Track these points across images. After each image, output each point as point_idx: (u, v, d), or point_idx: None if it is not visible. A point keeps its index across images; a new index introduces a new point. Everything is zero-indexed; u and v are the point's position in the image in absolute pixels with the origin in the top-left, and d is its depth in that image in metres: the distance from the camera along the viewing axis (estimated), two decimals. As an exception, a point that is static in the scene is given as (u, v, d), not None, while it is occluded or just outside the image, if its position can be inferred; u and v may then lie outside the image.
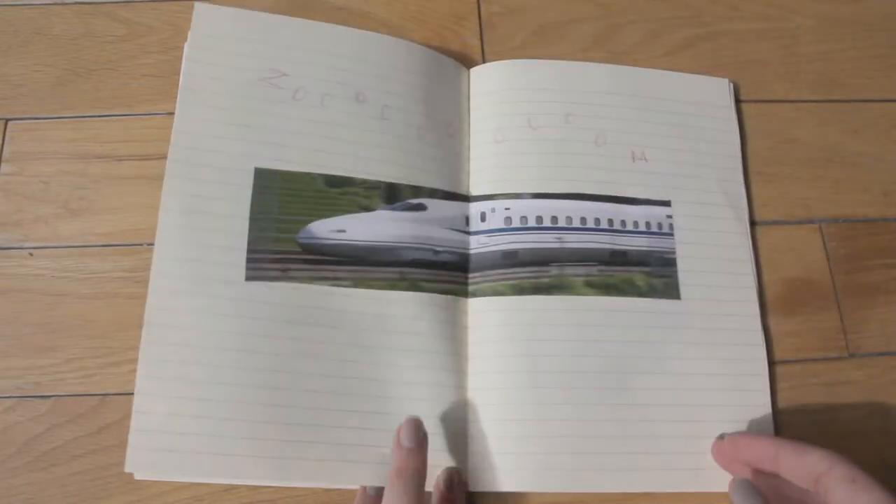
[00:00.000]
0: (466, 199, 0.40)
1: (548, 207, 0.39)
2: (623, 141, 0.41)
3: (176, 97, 0.39)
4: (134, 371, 0.36)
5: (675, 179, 0.41)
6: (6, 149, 0.40)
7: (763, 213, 0.41)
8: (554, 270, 0.38)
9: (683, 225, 0.40)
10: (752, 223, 0.41)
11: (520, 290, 0.38)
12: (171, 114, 0.38)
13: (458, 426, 0.36)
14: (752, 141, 0.42)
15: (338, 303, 0.36)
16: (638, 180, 0.41)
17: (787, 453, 0.31)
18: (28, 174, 0.40)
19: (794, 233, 0.40)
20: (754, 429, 0.37)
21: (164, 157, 0.38)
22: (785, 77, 0.44)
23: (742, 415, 0.37)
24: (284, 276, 0.36)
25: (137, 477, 0.33)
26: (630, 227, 0.40)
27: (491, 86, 0.41)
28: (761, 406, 0.37)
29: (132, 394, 0.36)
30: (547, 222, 0.39)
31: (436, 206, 0.39)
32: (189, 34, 0.39)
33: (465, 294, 0.38)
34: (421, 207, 0.38)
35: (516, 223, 0.39)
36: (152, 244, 0.38)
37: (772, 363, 0.38)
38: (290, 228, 0.36)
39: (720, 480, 0.35)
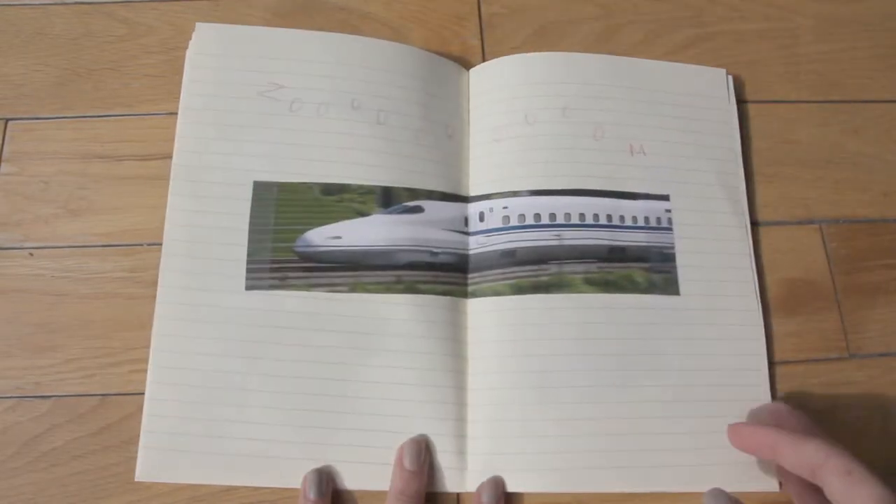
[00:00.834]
0: (465, 199, 0.40)
1: (546, 204, 0.39)
2: (621, 134, 0.41)
3: (177, 97, 0.39)
4: (134, 371, 0.36)
5: (673, 173, 0.40)
6: (6, 149, 0.40)
7: (764, 213, 0.41)
8: (553, 268, 0.38)
9: (682, 219, 0.40)
10: (754, 223, 0.41)
11: (519, 290, 0.37)
12: (172, 114, 0.39)
13: (459, 427, 0.36)
14: (753, 141, 0.42)
15: (335, 308, 0.36)
16: (637, 174, 0.40)
17: (785, 444, 0.31)
18: (28, 174, 0.40)
19: (795, 233, 0.40)
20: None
21: (164, 157, 0.38)
22: (785, 77, 0.44)
23: (743, 411, 0.37)
24: (283, 284, 0.36)
25: (144, 480, 0.34)
26: (629, 222, 0.39)
27: (489, 84, 0.41)
28: (761, 402, 0.37)
29: (132, 394, 0.36)
30: (545, 220, 0.39)
31: (433, 208, 0.39)
32: (188, 53, 0.39)
33: (465, 295, 0.38)
34: (418, 210, 0.38)
35: (514, 222, 0.39)
36: (152, 244, 0.38)
37: (772, 363, 0.38)
38: (288, 238, 0.37)
39: (722, 478, 0.35)
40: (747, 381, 0.37)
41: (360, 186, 0.38)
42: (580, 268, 0.38)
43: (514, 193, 0.39)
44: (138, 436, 0.34)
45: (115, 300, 0.38)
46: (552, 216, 0.39)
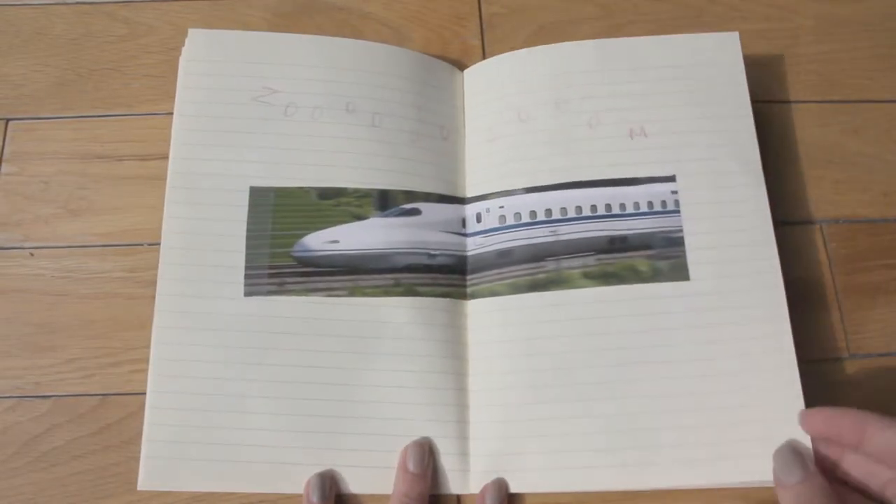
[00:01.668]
0: (462, 201, 0.40)
1: (540, 201, 0.38)
2: (619, 119, 0.39)
3: (176, 97, 0.39)
4: (134, 371, 0.36)
5: (679, 152, 0.38)
6: (6, 149, 0.40)
7: (763, 213, 0.41)
8: (550, 265, 0.37)
9: (691, 199, 0.38)
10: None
11: (516, 289, 0.37)
12: (172, 114, 0.39)
13: (461, 429, 0.36)
14: (753, 141, 0.42)
15: (334, 312, 0.36)
16: (638, 158, 0.39)
17: (876, 426, 0.29)
18: (28, 174, 0.40)
19: (795, 233, 0.40)
20: (781, 421, 0.34)
21: (164, 157, 0.38)
22: (785, 77, 0.44)
23: (767, 400, 0.34)
24: (281, 290, 0.36)
25: (147, 488, 0.34)
26: (630, 209, 0.38)
27: (483, 84, 0.41)
28: (790, 388, 0.34)
29: (133, 394, 0.36)
30: (541, 216, 0.38)
31: (430, 210, 0.39)
32: (181, 60, 0.39)
33: (464, 297, 0.38)
34: (415, 212, 0.38)
35: (510, 221, 0.38)
36: (152, 244, 0.38)
37: (772, 363, 0.38)
38: (285, 243, 0.37)
39: (738, 472, 0.34)
40: (772, 367, 0.35)
41: (357, 190, 0.38)
42: (577, 262, 0.37)
43: (510, 192, 0.39)
44: (138, 436, 0.34)
45: (114, 300, 0.38)
46: (548, 212, 0.38)
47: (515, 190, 0.39)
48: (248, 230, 0.37)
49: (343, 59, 0.40)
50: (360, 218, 0.38)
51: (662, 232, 0.38)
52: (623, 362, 0.36)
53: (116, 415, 0.36)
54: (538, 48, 0.41)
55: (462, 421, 0.36)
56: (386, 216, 0.38)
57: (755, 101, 0.40)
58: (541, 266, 0.37)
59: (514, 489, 0.35)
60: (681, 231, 0.37)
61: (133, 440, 0.35)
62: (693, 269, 0.37)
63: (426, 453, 0.34)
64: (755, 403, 0.34)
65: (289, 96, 0.39)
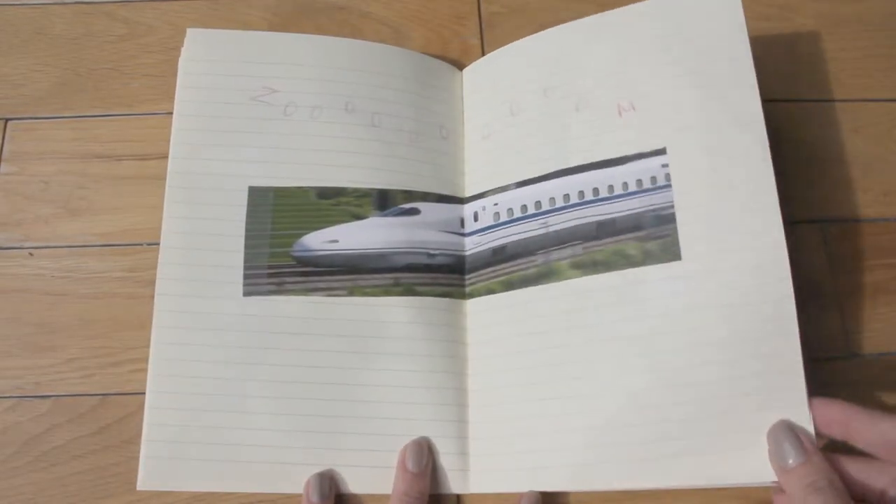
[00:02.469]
0: (461, 201, 0.40)
1: (531, 194, 0.38)
2: (606, 97, 0.37)
3: (175, 97, 0.39)
4: (134, 371, 0.36)
5: (671, 122, 0.36)
6: (6, 149, 0.40)
7: (763, 213, 0.41)
8: (540, 258, 0.37)
9: (684, 171, 0.35)
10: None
11: (510, 286, 0.37)
12: (172, 114, 0.38)
13: (460, 428, 0.36)
14: (753, 141, 0.42)
15: (334, 312, 0.36)
16: (626, 136, 0.36)
17: (861, 419, 0.29)
18: (28, 174, 0.40)
19: (795, 233, 0.40)
20: (786, 408, 0.31)
21: (164, 156, 0.38)
22: (785, 77, 0.44)
23: (771, 389, 0.31)
24: (280, 289, 0.36)
25: (147, 488, 0.34)
26: (619, 190, 0.36)
27: (479, 83, 0.41)
28: (793, 373, 0.31)
29: (132, 394, 0.36)
30: (532, 209, 0.38)
31: (430, 210, 0.39)
32: (181, 60, 0.39)
33: (463, 296, 0.38)
34: (414, 212, 0.38)
35: (504, 217, 0.38)
36: (152, 244, 0.38)
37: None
38: (285, 243, 0.37)
39: (729, 470, 0.32)
40: (773, 352, 0.32)
41: (356, 189, 0.38)
42: (566, 253, 0.36)
43: (504, 188, 0.38)
44: (138, 435, 0.34)
45: (114, 300, 0.38)
46: (538, 204, 0.37)
47: (508, 186, 0.38)
48: (248, 230, 0.37)
49: (342, 59, 0.40)
50: (359, 217, 0.38)
51: (652, 210, 0.35)
52: (612, 356, 0.34)
53: (116, 415, 0.36)
54: (529, 38, 0.40)
55: (462, 421, 0.36)
56: (385, 216, 0.38)
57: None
58: (532, 260, 0.37)
59: (515, 489, 0.34)
60: (672, 206, 0.35)
61: (133, 440, 0.35)
62: (685, 248, 0.34)
63: (425, 452, 0.34)
64: (757, 398, 0.32)
65: (288, 96, 0.39)
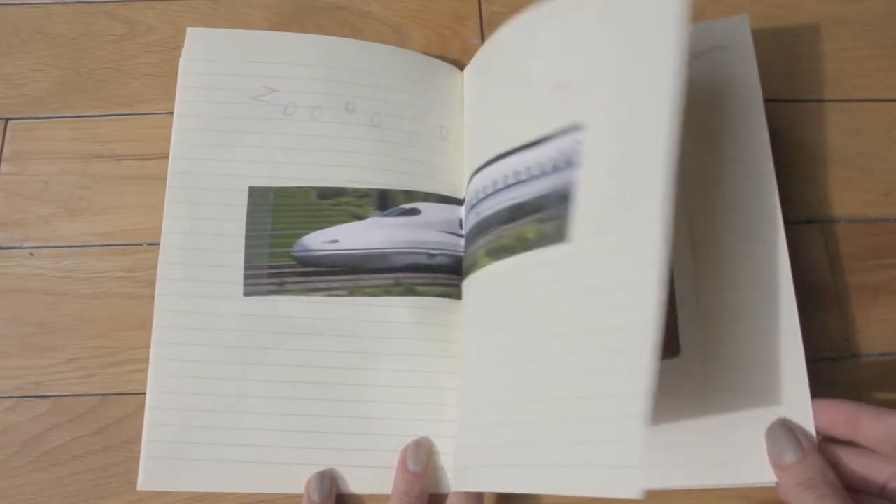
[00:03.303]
0: (461, 201, 0.40)
1: (472, 188, 0.37)
2: (546, 75, 0.34)
3: (176, 97, 0.39)
4: (134, 370, 0.36)
5: (595, 99, 0.32)
6: (6, 149, 0.40)
7: (764, 213, 0.41)
8: (470, 249, 0.37)
9: (599, 145, 0.31)
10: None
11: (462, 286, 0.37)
12: (172, 113, 0.38)
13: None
14: (753, 141, 0.42)
15: (334, 312, 0.36)
16: (554, 115, 0.33)
17: (868, 416, 0.29)
18: (28, 174, 0.40)
19: (795, 233, 0.40)
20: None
21: (164, 156, 0.38)
22: (785, 77, 0.44)
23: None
24: (281, 289, 0.36)
25: (147, 489, 0.34)
26: (536, 171, 0.33)
27: (478, 80, 0.41)
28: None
29: (133, 394, 0.36)
30: (471, 202, 0.37)
31: (430, 210, 0.38)
32: (181, 59, 0.39)
33: (460, 296, 0.38)
34: (414, 212, 0.38)
35: (473, 212, 0.38)
36: (152, 244, 0.38)
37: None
38: (285, 243, 0.37)
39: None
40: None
41: (357, 190, 0.38)
42: (482, 241, 0.35)
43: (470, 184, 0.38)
44: (138, 435, 0.34)
45: (114, 300, 0.38)
46: (475, 195, 0.37)
47: (472, 181, 0.38)
48: (248, 230, 0.37)
49: (343, 59, 0.40)
50: (359, 217, 0.38)
51: (556, 191, 0.32)
52: (538, 353, 0.31)
53: (116, 415, 0.36)
54: (501, 30, 0.38)
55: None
56: (386, 216, 0.38)
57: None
58: (469, 253, 0.37)
59: (514, 489, 0.33)
60: (572, 186, 0.31)
61: (133, 440, 0.35)
62: (575, 229, 0.30)
63: (426, 452, 0.34)
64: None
65: (288, 96, 0.39)
